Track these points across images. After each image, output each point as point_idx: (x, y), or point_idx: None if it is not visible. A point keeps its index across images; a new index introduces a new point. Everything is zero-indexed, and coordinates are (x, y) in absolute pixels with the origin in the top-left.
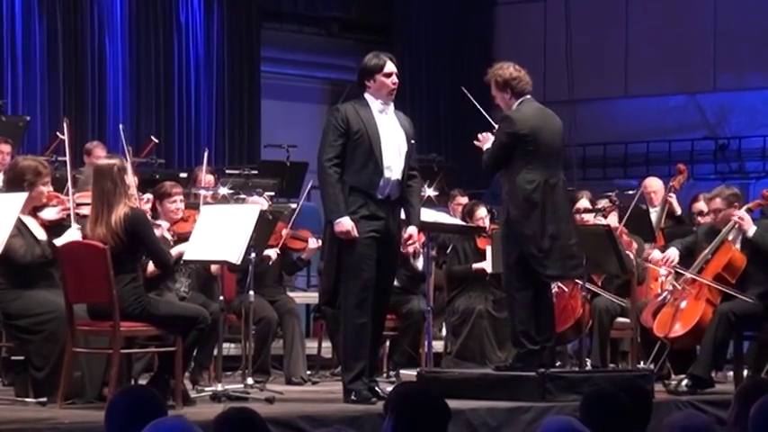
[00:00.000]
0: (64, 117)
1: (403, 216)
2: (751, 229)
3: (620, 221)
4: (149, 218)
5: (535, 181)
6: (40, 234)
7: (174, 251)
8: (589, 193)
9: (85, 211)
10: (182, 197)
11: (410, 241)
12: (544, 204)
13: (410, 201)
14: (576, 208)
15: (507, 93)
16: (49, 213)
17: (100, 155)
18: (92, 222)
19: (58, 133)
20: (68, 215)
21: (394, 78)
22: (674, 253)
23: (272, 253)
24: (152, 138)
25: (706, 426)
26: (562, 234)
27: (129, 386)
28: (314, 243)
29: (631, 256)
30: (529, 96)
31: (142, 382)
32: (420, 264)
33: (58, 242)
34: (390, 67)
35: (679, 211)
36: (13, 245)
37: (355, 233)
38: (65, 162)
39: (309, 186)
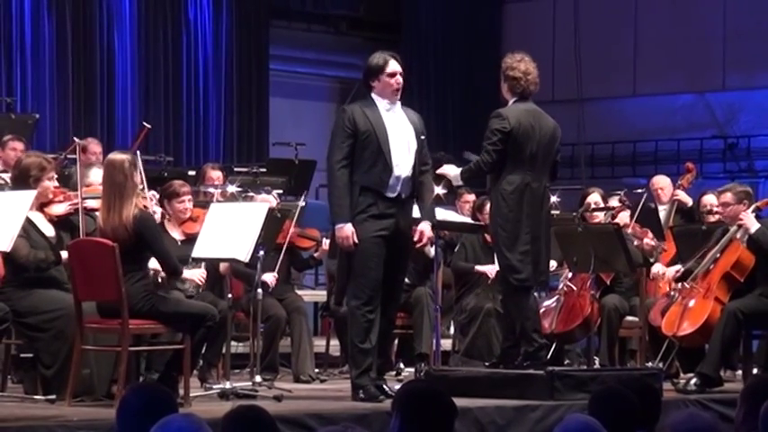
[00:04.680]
0: (74, 138)
1: (416, 213)
2: (753, 227)
3: (631, 219)
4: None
5: (515, 183)
6: (48, 230)
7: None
8: (601, 189)
9: (93, 204)
10: (190, 197)
11: (423, 239)
12: (521, 207)
13: (422, 197)
14: (587, 204)
15: (506, 85)
16: (57, 209)
17: (95, 150)
18: (104, 213)
19: (75, 138)
20: (76, 210)
21: (398, 78)
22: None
23: (270, 278)
24: (144, 123)
25: (711, 426)
26: (535, 240)
27: (141, 383)
28: (327, 243)
29: (651, 243)
30: (528, 98)
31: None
32: (432, 251)
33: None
34: (394, 66)
35: (690, 203)
36: (17, 245)
37: (350, 242)
38: (74, 160)
39: (317, 185)
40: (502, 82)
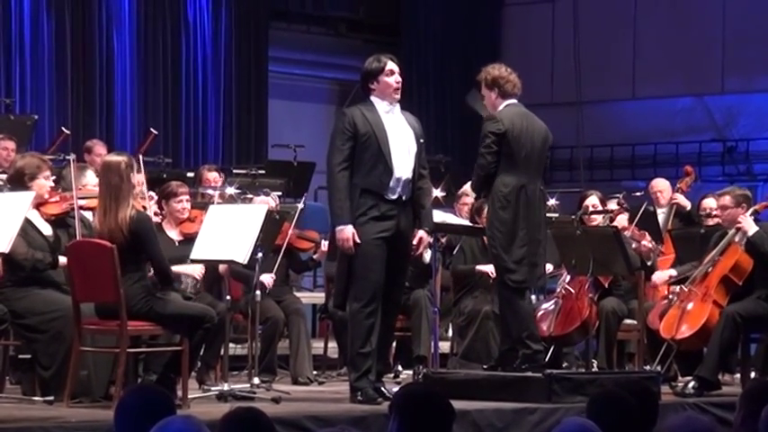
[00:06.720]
0: (61, 128)
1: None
2: (751, 229)
3: (629, 222)
4: (154, 223)
5: (510, 185)
6: (46, 229)
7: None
8: (599, 192)
9: (87, 203)
10: (188, 197)
11: (421, 246)
12: (517, 209)
13: (421, 203)
14: (585, 206)
15: (494, 92)
16: (53, 208)
17: (100, 152)
18: (100, 216)
19: (63, 128)
20: (72, 208)
21: (397, 77)
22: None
23: (268, 278)
24: (151, 129)
25: (709, 429)
26: (532, 242)
27: (139, 384)
28: (326, 245)
29: (649, 245)
30: (515, 101)
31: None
32: (428, 257)
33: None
34: (392, 66)
35: (688, 206)
36: (14, 243)
37: (351, 244)
38: (69, 161)
39: (316, 187)
40: (487, 91)
